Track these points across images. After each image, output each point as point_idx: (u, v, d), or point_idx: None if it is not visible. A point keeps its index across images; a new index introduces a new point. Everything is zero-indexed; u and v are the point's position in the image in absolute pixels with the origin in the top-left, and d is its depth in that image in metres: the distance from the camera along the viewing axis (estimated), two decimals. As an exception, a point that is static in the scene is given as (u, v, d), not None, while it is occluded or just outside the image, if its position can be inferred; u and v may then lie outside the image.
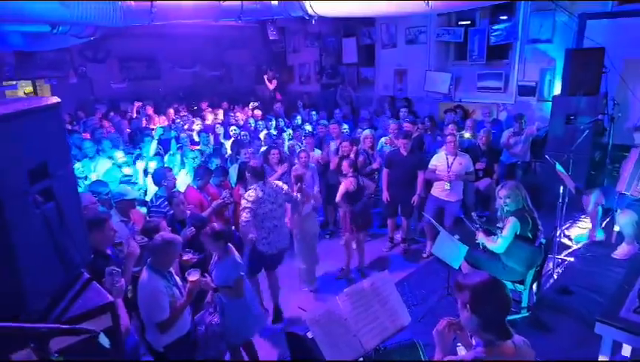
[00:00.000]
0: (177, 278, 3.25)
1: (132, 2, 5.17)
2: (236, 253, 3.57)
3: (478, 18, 8.64)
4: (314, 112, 9.58)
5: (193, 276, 3.10)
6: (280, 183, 4.64)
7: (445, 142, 5.65)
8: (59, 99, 1.54)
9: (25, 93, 11.85)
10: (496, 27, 8.21)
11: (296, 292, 5.08)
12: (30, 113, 1.33)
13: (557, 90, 7.42)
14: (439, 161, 5.59)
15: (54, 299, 1.38)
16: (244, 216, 4.30)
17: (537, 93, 7.88)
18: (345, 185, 5.23)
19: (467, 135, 6.55)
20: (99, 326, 1.37)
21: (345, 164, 5.39)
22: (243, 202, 4.42)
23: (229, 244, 3.56)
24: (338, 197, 5.30)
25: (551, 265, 5.02)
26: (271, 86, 11.86)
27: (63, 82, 10.75)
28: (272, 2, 6.32)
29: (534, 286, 4.25)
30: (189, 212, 4.67)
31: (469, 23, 8.81)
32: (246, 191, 5.35)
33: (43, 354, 0.92)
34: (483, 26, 8.55)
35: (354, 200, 5.23)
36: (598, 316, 2.95)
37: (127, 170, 5.83)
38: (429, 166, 5.67)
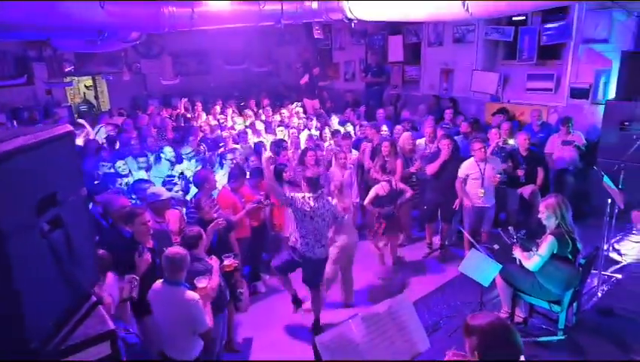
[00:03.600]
0: None
1: (174, 9, 5.33)
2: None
3: (530, 16, 8.17)
4: (352, 112, 9.46)
5: (202, 283, 3.07)
6: (333, 202, 4.50)
7: (472, 150, 5.46)
8: (70, 128, 1.60)
9: (85, 86, 12.54)
10: (548, 26, 7.72)
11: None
12: (37, 146, 1.38)
13: (613, 93, 6.91)
14: (470, 168, 5.42)
15: (58, 325, 1.44)
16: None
17: (591, 95, 7.37)
18: (375, 190, 5.26)
19: (511, 141, 6.22)
20: (98, 353, 1.42)
21: (372, 170, 5.43)
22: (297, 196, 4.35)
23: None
24: (366, 201, 5.32)
25: (595, 281, 4.70)
26: (302, 81, 11.43)
27: (119, 77, 11.04)
28: (312, 6, 6.28)
29: (574, 306, 4.00)
30: (215, 215, 4.63)
31: (522, 19, 8.32)
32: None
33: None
34: (535, 24, 8.08)
35: (384, 204, 5.21)
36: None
37: (178, 168, 5.99)
38: (459, 175, 5.48)
